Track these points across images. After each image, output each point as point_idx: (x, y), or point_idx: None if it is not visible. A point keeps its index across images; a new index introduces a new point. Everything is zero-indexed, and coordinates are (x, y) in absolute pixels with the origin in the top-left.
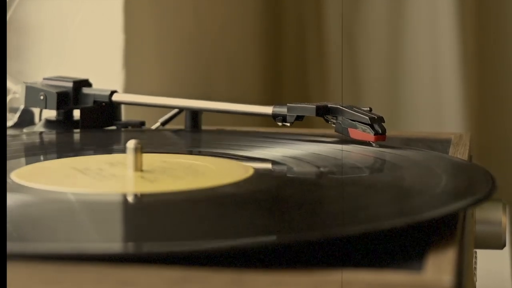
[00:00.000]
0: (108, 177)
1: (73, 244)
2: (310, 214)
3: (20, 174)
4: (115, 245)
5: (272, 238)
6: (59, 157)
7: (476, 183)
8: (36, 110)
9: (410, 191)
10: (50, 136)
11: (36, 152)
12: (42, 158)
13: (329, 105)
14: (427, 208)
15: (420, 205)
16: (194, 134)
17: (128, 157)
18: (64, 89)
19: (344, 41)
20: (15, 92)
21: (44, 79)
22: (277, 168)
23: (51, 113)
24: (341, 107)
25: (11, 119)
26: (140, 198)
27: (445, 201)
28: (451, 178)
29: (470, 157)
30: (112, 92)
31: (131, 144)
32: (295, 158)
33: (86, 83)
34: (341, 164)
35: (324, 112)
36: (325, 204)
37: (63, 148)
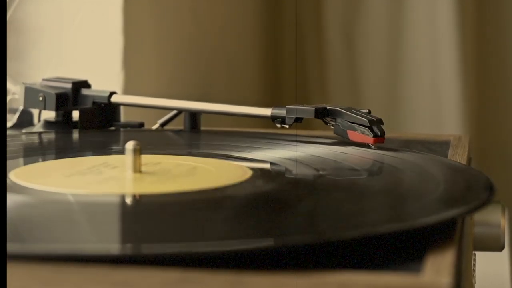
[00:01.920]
0: (107, 178)
1: (71, 246)
2: (308, 218)
3: (19, 174)
4: (113, 247)
5: (269, 242)
6: (57, 157)
7: (475, 189)
8: (35, 111)
9: (408, 196)
10: (49, 136)
11: (35, 152)
12: (40, 158)
13: (328, 107)
14: (425, 214)
15: (418, 211)
16: (193, 135)
17: (127, 158)
18: (63, 90)
19: (343, 42)
20: (14, 93)
21: (43, 80)
22: (275, 170)
23: (50, 114)
24: (340, 109)
25: (10, 120)
26: (139, 200)
27: (443, 208)
28: (450, 183)
29: (469, 159)
30: (111, 93)
31: (130, 145)
32: (293, 160)
33: (85, 84)
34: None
35: (323, 114)
36: (323, 208)
37: (62, 149)
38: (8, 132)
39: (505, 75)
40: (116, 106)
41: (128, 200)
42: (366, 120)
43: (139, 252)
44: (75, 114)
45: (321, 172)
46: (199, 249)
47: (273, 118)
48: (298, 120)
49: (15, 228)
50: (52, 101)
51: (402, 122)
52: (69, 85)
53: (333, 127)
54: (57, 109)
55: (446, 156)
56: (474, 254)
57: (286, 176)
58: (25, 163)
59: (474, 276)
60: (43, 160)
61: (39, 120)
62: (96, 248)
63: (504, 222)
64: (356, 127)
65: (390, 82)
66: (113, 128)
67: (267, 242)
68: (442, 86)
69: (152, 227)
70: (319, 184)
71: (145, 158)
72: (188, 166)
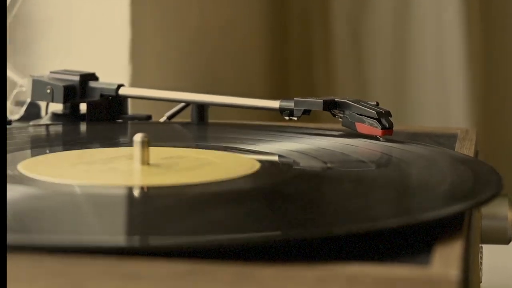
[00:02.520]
0: (115, 170)
1: (79, 237)
2: (316, 211)
3: (27, 166)
4: (121, 239)
5: (277, 234)
6: (65, 149)
7: (483, 182)
8: (42, 104)
9: (416, 188)
10: (57, 128)
11: (43, 144)
12: (48, 150)
13: (336, 99)
14: (433, 208)
15: (426, 204)
16: (200, 127)
17: (135, 151)
18: (70, 83)
19: (350, 36)
20: (22, 85)
21: (51, 72)
22: (284, 162)
23: (57, 107)
24: (348, 102)
25: (18, 112)
26: (147, 192)
27: (451, 201)
28: (458, 176)
29: (476, 152)
30: (119, 86)
31: (138, 137)
32: (301, 152)
33: (93, 76)
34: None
35: (331, 106)
36: (331, 200)
37: (70, 141)
38: (16, 124)
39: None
40: (124, 98)
41: (136, 192)
42: (375, 112)
43: (148, 244)
44: (83, 107)
45: (329, 165)
46: (208, 241)
47: (281, 111)
48: (306, 112)
49: (23, 220)
50: (60, 94)
51: (409, 115)
52: (77, 78)
53: (341, 119)
54: (64, 102)
55: (453, 149)
56: (481, 247)
57: (294, 168)
58: (33, 155)
59: (481, 269)
60: (51, 152)
61: (46, 113)
62: (104, 241)
63: (511, 215)
64: (364, 119)
65: (397, 76)
66: (120, 120)
67: (275, 236)
68: (448, 80)
69: (159, 219)
70: (327, 176)
71: (153, 150)
72: (195, 159)
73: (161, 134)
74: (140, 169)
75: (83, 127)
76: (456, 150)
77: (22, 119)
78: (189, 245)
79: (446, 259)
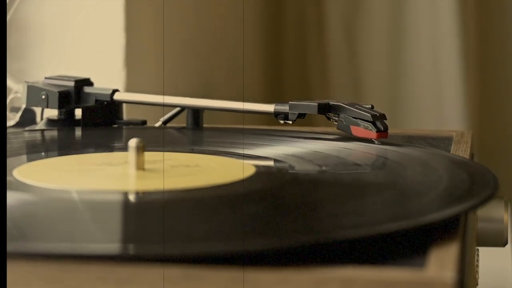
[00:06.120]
0: (110, 176)
1: (74, 245)
2: (311, 215)
3: (22, 172)
4: (116, 247)
5: (273, 243)
6: (60, 155)
7: (479, 185)
8: (37, 110)
9: (412, 191)
10: (52, 134)
11: (38, 150)
12: (43, 156)
13: (331, 102)
14: (429, 211)
15: (421, 208)
16: (195, 132)
17: (129, 156)
18: (65, 88)
19: (345, 38)
20: (17, 91)
21: (46, 78)
22: (279, 167)
23: (52, 113)
24: (343, 105)
25: (13, 118)
26: (142, 197)
27: (447, 204)
28: (454, 178)
29: (471, 155)
30: (114, 91)
31: (132, 142)
32: (296, 156)
33: (88, 82)
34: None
35: (326, 109)
36: (326, 204)
37: (65, 146)
38: (11, 130)
39: (507, 70)
40: (119, 104)
41: (131, 198)
42: (369, 115)
43: (142, 253)
44: (78, 112)
45: (324, 168)
46: (202, 249)
47: (276, 114)
48: (301, 116)
49: (18, 226)
50: (55, 100)
51: (404, 118)
52: (72, 83)
53: (336, 123)
54: (59, 108)
55: (449, 152)
56: (477, 250)
57: (289, 172)
58: (28, 161)
59: (477, 272)
60: (46, 157)
61: (41, 119)
62: (99, 248)
63: (507, 218)
64: (359, 122)
65: (392, 79)
66: (116, 126)
67: (270, 243)
68: (444, 83)
69: (154, 225)
70: (322, 180)
71: (148, 155)
72: (190, 163)
73: (156, 139)
74: (135, 175)
75: (78, 132)
76: (451, 152)
77: (18, 125)
78: (183, 255)
79: (442, 262)
